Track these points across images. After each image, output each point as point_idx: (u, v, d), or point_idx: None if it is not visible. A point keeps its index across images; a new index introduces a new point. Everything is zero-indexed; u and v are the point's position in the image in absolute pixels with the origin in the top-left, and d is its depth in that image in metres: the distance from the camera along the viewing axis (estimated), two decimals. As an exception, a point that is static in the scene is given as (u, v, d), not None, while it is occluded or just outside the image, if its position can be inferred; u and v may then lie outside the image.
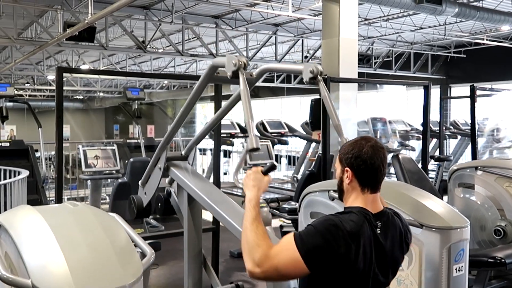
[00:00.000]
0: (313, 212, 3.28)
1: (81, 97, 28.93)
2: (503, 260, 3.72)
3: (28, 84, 23.19)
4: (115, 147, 7.57)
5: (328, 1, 7.24)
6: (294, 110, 21.13)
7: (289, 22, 13.05)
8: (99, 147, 7.52)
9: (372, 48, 15.37)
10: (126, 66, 17.75)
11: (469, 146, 8.27)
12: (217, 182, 4.72)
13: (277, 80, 19.59)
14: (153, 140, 10.43)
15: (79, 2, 10.30)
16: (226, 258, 6.01)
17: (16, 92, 11.11)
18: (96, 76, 21.45)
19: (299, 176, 10.18)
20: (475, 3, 10.15)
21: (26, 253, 1.78)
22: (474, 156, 6.19)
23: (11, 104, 10.43)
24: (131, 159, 6.79)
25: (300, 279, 2.03)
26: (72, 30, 9.19)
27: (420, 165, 5.52)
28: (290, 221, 5.51)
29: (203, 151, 12.62)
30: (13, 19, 10.90)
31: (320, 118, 4.67)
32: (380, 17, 11.67)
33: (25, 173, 5.64)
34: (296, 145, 13.58)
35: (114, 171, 7.33)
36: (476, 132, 6.29)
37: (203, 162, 13.02)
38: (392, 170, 5.92)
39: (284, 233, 5.49)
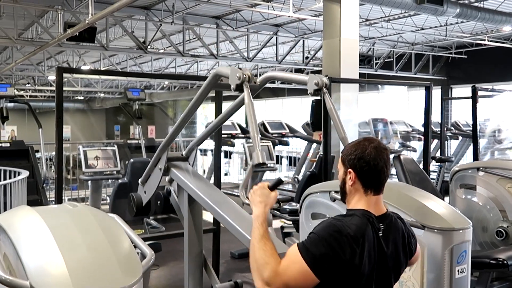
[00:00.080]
0: (314, 213, 3.27)
1: (82, 98, 28.93)
2: (505, 262, 3.70)
3: (29, 85, 23.20)
4: (115, 147, 7.56)
5: (329, 1, 7.22)
6: (295, 110, 21.12)
7: (290, 22, 13.04)
8: (99, 148, 7.52)
9: (373, 48, 15.36)
10: (126, 67, 17.75)
11: (470, 147, 8.25)
12: (217, 183, 4.72)
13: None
14: (153, 140, 10.41)
15: (79, 3, 10.29)
16: (227, 259, 6.00)
17: (16, 92, 11.11)
18: (97, 76, 21.45)
19: (300, 177, 10.18)
20: (476, 4, 10.13)
21: (25, 254, 1.76)
22: (475, 157, 6.17)
23: (12, 104, 10.42)
24: (132, 160, 6.79)
25: None
26: (72, 31, 9.18)
27: (421, 166, 5.50)
28: (291, 222, 5.49)
29: (204, 151, 12.63)
30: (14, 20, 10.90)
31: (321, 118, 4.66)
32: (381, 17, 11.66)
33: (25, 173, 5.63)
34: (297, 146, 13.59)
35: (114, 172, 7.33)
36: (478, 133, 6.27)
37: (203, 162, 13.03)
38: (393, 171, 5.91)
39: (285, 234, 5.48)
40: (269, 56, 16.26)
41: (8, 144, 7.49)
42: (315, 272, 1.75)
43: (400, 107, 16.92)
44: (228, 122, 9.64)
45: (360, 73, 7.74)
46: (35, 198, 6.90)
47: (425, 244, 2.60)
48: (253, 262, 1.86)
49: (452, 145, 11.78)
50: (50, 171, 9.81)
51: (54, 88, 7.41)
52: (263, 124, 9.92)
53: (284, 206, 5.40)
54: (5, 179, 5.85)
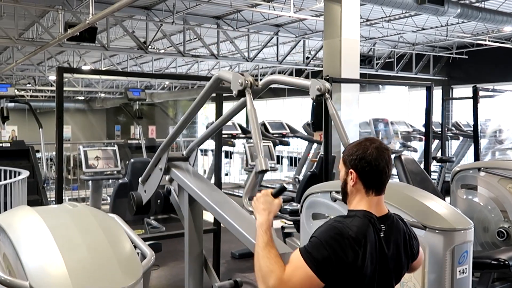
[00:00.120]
0: (315, 213, 3.26)
1: (82, 98, 28.93)
2: (506, 262, 3.69)
3: (30, 85, 23.21)
4: (115, 147, 7.56)
5: (330, 1, 7.21)
6: (296, 110, 21.11)
7: (290, 22, 13.04)
8: (100, 148, 7.51)
9: (373, 49, 15.35)
10: (127, 67, 17.75)
11: (471, 147, 8.24)
12: (218, 183, 4.71)
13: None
14: (154, 140, 10.42)
15: (80, 3, 10.29)
16: (227, 259, 5.99)
17: (17, 92, 11.11)
18: (97, 76, 21.46)
19: (300, 177, 10.17)
20: (477, 4, 10.12)
21: (24, 255, 1.76)
22: (476, 157, 6.16)
23: (12, 104, 10.41)
24: (132, 160, 6.78)
25: None
26: (73, 31, 9.18)
27: (422, 166, 5.49)
28: (291, 222, 5.48)
29: (205, 151, 12.62)
30: (14, 20, 10.90)
31: (321, 119, 4.65)
32: (382, 17, 11.65)
33: (25, 173, 5.63)
34: (297, 146, 13.58)
35: (115, 172, 7.32)
36: (479, 133, 6.26)
37: (204, 162, 13.02)
38: (394, 171, 5.90)
39: (285, 235, 5.47)
40: (269, 56, 16.25)
41: (8, 144, 7.50)
42: (320, 276, 1.74)
43: (400, 107, 16.92)
44: (228, 122, 9.64)
45: (360, 73, 7.72)
46: (36, 198, 6.90)
47: (426, 245, 2.59)
48: (258, 270, 1.85)
49: (453, 146, 11.77)
50: (50, 171, 9.81)
51: (54, 88, 7.41)
52: (263, 124, 9.92)
53: (285, 206, 5.38)
54: (5, 179, 5.85)
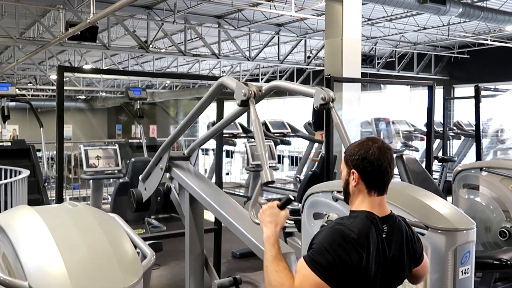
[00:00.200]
0: (316, 213, 3.25)
1: (83, 97, 28.94)
2: (508, 262, 3.68)
3: (31, 84, 23.20)
4: (116, 147, 7.55)
5: (331, 1, 7.19)
6: (297, 110, 21.09)
7: (292, 22, 13.02)
8: (100, 147, 7.50)
9: (375, 48, 15.33)
10: (128, 66, 17.74)
11: (473, 147, 8.21)
12: (219, 183, 4.71)
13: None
14: (155, 140, 10.41)
15: (81, 2, 10.28)
16: (228, 258, 5.99)
17: (18, 91, 11.10)
18: (98, 75, 21.46)
19: (301, 177, 10.15)
20: (479, 3, 10.10)
21: (24, 255, 1.75)
22: (478, 157, 6.14)
23: (13, 104, 10.41)
24: (133, 159, 6.78)
25: None
26: (74, 30, 9.18)
27: (424, 166, 5.48)
28: (292, 222, 5.47)
29: (205, 151, 12.60)
30: (15, 19, 10.89)
31: (323, 118, 4.64)
32: (384, 17, 11.63)
33: (26, 172, 5.63)
34: (298, 146, 13.55)
35: (115, 171, 7.31)
36: (481, 133, 6.25)
37: (205, 162, 13.01)
38: (396, 170, 5.88)
39: (286, 234, 5.46)
40: (271, 56, 16.23)
41: (9, 143, 7.51)
42: (328, 282, 1.74)
43: (402, 106, 16.90)
44: (229, 122, 9.62)
45: (362, 73, 7.71)
46: (36, 197, 6.90)
47: (428, 245, 2.57)
48: (268, 284, 1.85)
49: (455, 145, 11.75)
50: (51, 170, 9.80)
51: (55, 87, 7.42)
52: (265, 124, 9.91)
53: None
54: (6, 178, 5.85)
